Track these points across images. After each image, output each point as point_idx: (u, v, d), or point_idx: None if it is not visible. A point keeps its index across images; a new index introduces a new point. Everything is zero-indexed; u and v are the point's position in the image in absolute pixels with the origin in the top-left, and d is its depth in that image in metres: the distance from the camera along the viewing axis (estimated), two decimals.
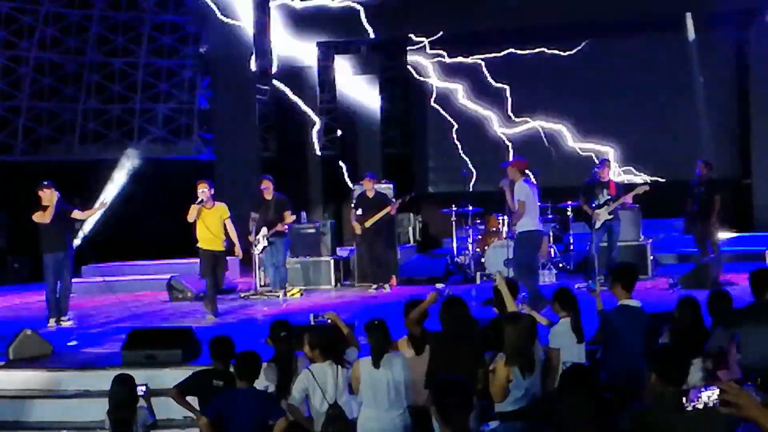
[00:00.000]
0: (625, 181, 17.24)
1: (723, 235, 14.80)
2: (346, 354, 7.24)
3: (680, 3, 18.04)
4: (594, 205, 13.42)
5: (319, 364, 6.95)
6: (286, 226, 14.41)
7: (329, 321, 7.84)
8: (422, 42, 19.32)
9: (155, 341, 9.54)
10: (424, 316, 7.32)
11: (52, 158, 20.10)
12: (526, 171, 12.07)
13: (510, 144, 19.54)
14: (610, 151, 18.72)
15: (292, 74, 19.95)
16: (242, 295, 14.76)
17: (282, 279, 14.48)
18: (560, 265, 15.24)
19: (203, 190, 12.51)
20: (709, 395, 3.70)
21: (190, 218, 12.51)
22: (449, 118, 19.95)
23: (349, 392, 7.05)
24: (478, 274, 14.79)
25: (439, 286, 8.64)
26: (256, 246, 14.42)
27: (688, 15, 18.48)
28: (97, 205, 13.62)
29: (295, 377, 7.09)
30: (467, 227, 15.85)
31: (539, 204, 12.30)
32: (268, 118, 19.56)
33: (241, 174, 19.01)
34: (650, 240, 14.89)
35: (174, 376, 8.27)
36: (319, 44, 19.67)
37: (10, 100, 19.97)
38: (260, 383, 7.07)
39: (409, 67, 19.83)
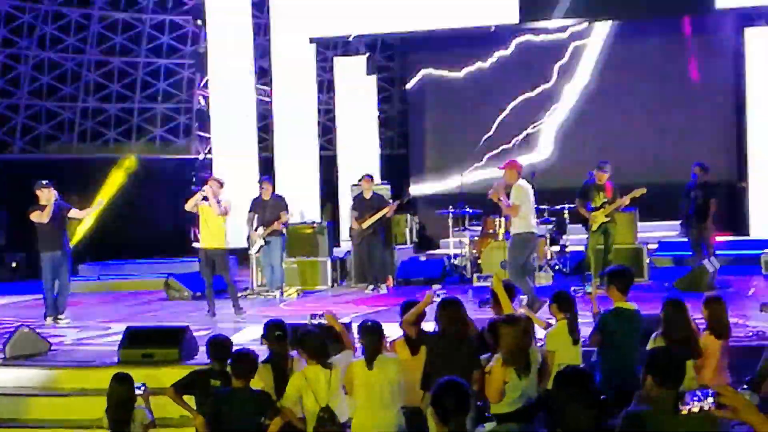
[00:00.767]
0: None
1: (719, 238, 14.85)
2: (338, 356, 7.23)
3: (678, 6, 18.03)
4: (590, 207, 13.45)
5: (312, 366, 6.97)
6: (283, 226, 14.44)
7: (326, 322, 7.85)
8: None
9: (152, 340, 9.56)
10: (421, 317, 7.34)
11: (50, 156, 20.13)
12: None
13: (511, 146, 19.63)
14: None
15: (291, 74, 19.93)
16: (239, 294, 14.77)
17: (278, 279, 14.51)
18: (557, 267, 15.27)
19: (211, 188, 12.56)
20: (705, 398, 3.73)
21: (188, 207, 12.74)
22: (448, 118, 20.00)
23: (344, 393, 7.07)
24: (475, 275, 14.83)
25: (436, 287, 8.64)
26: (253, 245, 14.44)
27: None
28: (94, 204, 13.64)
29: (291, 377, 7.11)
30: (464, 229, 15.86)
31: (535, 206, 12.29)
32: (266, 117, 19.58)
33: (239, 174, 18.99)
34: (646, 243, 14.92)
35: (171, 375, 8.29)
36: (317, 44, 19.66)
37: (9, 97, 19.99)
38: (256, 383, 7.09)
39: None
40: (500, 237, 14.89)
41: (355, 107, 20.38)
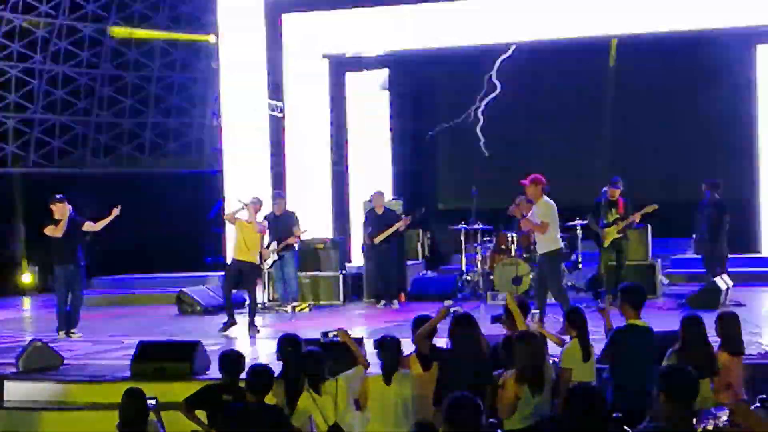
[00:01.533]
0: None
1: (731, 255, 14.80)
2: (349, 372, 7.19)
3: (690, 22, 17.99)
4: (603, 224, 13.43)
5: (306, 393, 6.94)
6: (297, 240, 14.52)
7: (339, 339, 7.84)
8: None
9: (164, 354, 9.57)
10: (433, 332, 7.33)
11: (64, 170, 20.21)
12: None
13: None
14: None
15: (303, 89, 19.98)
16: None
17: (291, 293, 14.56)
18: (569, 283, 15.21)
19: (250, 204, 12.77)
20: (718, 416, 3.72)
21: (226, 215, 13.43)
22: (460, 134, 19.97)
23: (356, 409, 7.06)
24: (488, 292, 14.78)
25: (448, 303, 8.66)
26: (265, 260, 14.48)
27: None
28: (110, 215, 13.65)
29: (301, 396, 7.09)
30: (477, 244, 15.86)
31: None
32: (278, 132, 19.61)
33: (252, 189, 19.03)
34: (659, 260, 14.87)
35: (183, 389, 8.29)
36: (330, 60, 19.71)
37: (24, 112, 20.08)
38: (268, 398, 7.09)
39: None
40: (513, 253, 14.87)
41: (368, 122, 20.42)
